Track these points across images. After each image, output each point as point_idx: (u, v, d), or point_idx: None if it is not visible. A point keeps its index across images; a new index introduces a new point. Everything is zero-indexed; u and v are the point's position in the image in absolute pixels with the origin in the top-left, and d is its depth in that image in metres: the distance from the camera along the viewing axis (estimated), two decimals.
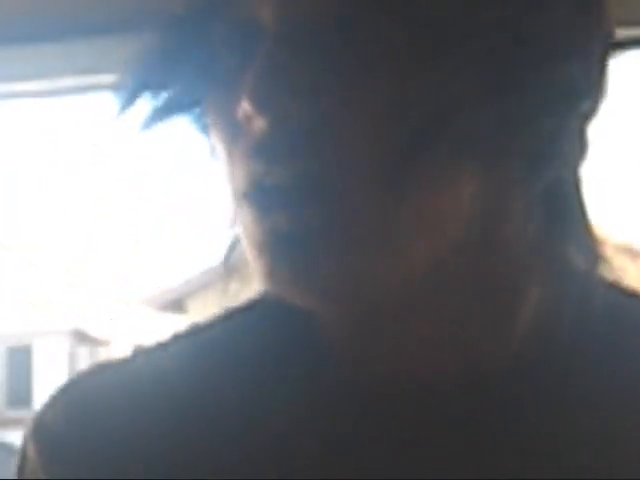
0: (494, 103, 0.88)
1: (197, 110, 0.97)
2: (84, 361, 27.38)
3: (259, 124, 0.86)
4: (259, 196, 0.89)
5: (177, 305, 18.78)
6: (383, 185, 0.87)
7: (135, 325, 25.86)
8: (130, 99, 0.94)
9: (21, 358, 27.95)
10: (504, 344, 0.97)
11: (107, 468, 1.01)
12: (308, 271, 0.89)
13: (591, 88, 0.93)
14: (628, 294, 1.05)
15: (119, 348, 27.25)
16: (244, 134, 0.88)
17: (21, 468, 1.04)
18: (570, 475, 0.95)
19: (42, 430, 1.03)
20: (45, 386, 27.25)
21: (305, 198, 0.87)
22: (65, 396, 1.05)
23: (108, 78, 1.78)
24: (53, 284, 28.40)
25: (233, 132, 0.90)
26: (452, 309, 0.95)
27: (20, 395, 27.36)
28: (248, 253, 0.92)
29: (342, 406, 0.99)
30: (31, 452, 1.03)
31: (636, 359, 1.00)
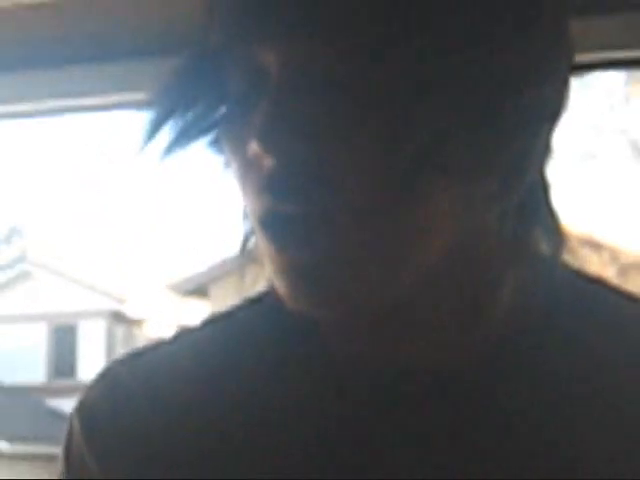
0: (475, 132, 0.87)
1: (213, 134, 0.94)
2: (120, 339, 27.33)
3: (267, 163, 0.86)
4: (272, 225, 0.88)
5: (200, 291, 18.48)
6: (380, 213, 0.87)
7: (164, 308, 25.82)
8: (157, 123, 0.92)
9: (65, 335, 27.58)
10: (486, 327, 0.97)
11: (140, 441, 1.01)
12: (319, 291, 0.89)
13: (560, 107, 0.93)
14: (591, 280, 1.05)
15: (151, 328, 27.35)
16: (255, 168, 0.87)
17: (68, 441, 1.05)
18: (543, 447, 0.95)
19: (84, 409, 1.04)
20: (86, 360, 26.89)
21: (312, 228, 0.87)
22: (104, 379, 1.06)
23: (133, 97, 1.73)
24: (94, 269, 28.42)
25: (245, 164, 0.89)
26: (442, 304, 0.95)
27: (65, 368, 27.18)
28: (266, 268, 0.93)
29: (340, 387, 0.98)
30: (76, 428, 1.03)
31: (599, 339, 0.99)
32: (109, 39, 1.65)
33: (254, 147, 0.86)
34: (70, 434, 1.05)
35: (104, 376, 1.07)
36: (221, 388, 1.02)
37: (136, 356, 1.07)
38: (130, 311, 27.06)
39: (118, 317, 27.15)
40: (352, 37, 0.85)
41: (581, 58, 1.52)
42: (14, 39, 1.64)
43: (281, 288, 0.91)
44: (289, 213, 0.87)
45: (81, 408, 1.05)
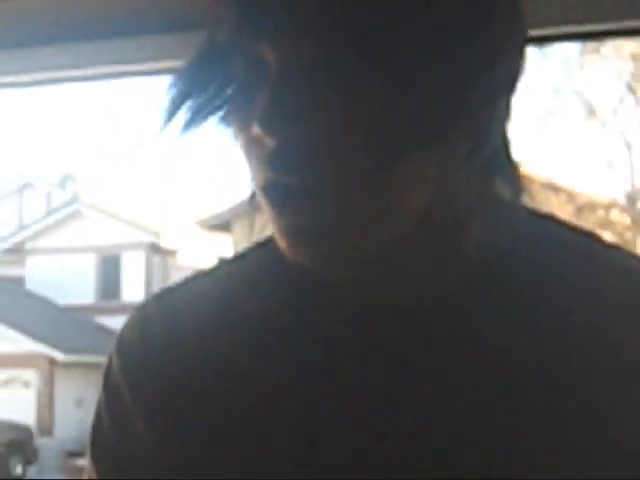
0: (446, 111, 0.87)
1: (221, 113, 0.94)
2: (157, 267, 27.46)
3: (268, 143, 0.86)
4: (272, 193, 0.89)
5: (224, 226, 18.27)
6: (364, 184, 0.86)
7: (193, 241, 25.98)
8: (175, 103, 0.91)
9: (111, 264, 27.99)
10: (459, 261, 0.97)
11: (165, 376, 1.00)
12: (311, 249, 0.89)
13: (517, 79, 0.93)
14: (545, 217, 1.05)
15: (182, 258, 27.17)
16: (257, 146, 0.87)
17: (107, 372, 1.04)
18: (512, 356, 0.95)
19: (121, 345, 1.03)
20: (128, 284, 27.32)
21: (306, 197, 0.87)
22: (139, 317, 1.05)
23: (163, 65, 1.66)
24: (135, 208, 28.64)
25: (249, 141, 0.89)
26: (422, 246, 0.94)
27: (110, 291, 27.74)
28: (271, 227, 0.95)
29: (338, 325, 0.97)
30: (115, 361, 1.03)
31: (556, 270, 0.99)
32: (142, 18, 1.62)
33: (256, 129, 0.86)
34: (109, 366, 1.04)
35: (139, 314, 1.06)
36: (235, 321, 1.01)
37: (166, 292, 1.06)
38: (165, 243, 27.31)
39: (155, 248, 27.42)
40: (331, 31, 0.84)
41: (542, 32, 1.51)
42: (71, 15, 1.62)
43: (281, 244, 0.91)
44: (286, 184, 0.87)
45: (119, 344, 1.04)
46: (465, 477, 0.90)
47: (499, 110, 0.92)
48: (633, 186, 15.79)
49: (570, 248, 1.02)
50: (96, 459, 1.01)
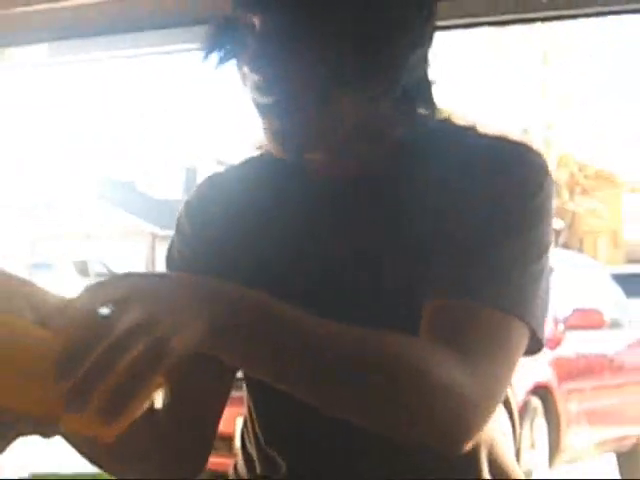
0: (369, 62, 0.98)
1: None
2: None
3: (253, 78, 0.96)
4: (261, 109, 0.99)
5: None
6: (314, 103, 0.98)
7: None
8: (209, 49, 1.02)
9: (190, 176, 27.62)
10: (386, 146, 1.06)
11: (210, 217, 1.12)
12: (286, 146, 1.00)
13: (430, 39, 1.02)
14: (457, 127, 1.11)
15: None
16: (249, 79, 0.97)
17: (178, 218, 1.14)
18: (427, 212, 1.03)
19: (187, 201, 1.14)
20: None
21: (280, 109, 0.98)
22: (202, 184, 1.16)
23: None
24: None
25: (244, 76, 0.98)
26: (355, 141, 1.04)
27: None
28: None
29: (306, 193, 1.08)
30: (182, 208, 1.13)
31: (457, 155, 1.04)
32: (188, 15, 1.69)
33: (245, 68, 0.96)
34: (179, 216, 1.13)
35: (202, 182, 1.15)
36: (249, 190, 1.11)
37: (213, 175, 1.16)
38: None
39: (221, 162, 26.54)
40: (289, 7, 0.96)
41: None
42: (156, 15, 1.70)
43: (270, 147, 1.00)
44: (268, 103, 0.97)
45: (186, 201, 1.13)
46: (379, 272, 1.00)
47: (410, 60, 0.99)
48: None
49: (463, 139, 1.07)
50: (168, 269, 1.10)
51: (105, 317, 0.74)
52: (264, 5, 0.94)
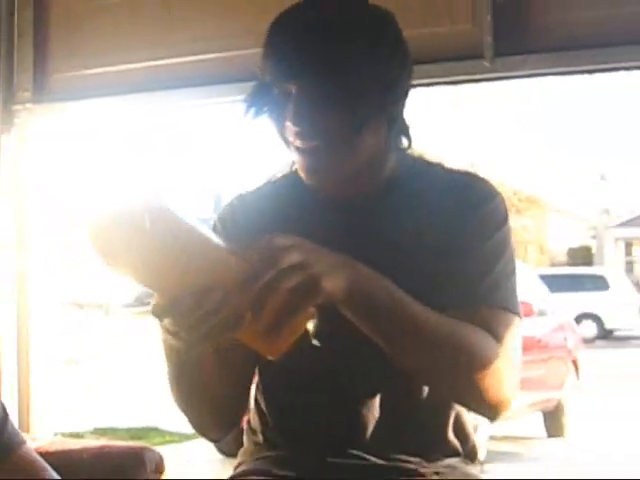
0: (377, 110, 0.96)
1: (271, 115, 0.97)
2: None
3: (295, 129, 0.95)
4: (298, 150, 0.97)
5: None
6: (344, 149, 0.97)
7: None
8: (249, 107, 0.98)
9: (217, 200, 24.85)
10: (379, 179, 1.03)
11: (239, 228, 1.07)
12: (318, 177, 0.99)
13: (407, 91, 1.00)
14: (428, 162, 1.08)
15: None
16: (289, 131, 0.97)
17: (213, 228, 1.06)
18: (410, 237, 1.00)
19: (220, 215, 1.10)
20: None
21: (315, 151, 0.96)
22: (232, 201, 1.11)
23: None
24: None
25: (283, 129, 0.97)
26: (362, 171, 1.02)
27: None
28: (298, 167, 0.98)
29: (322, 209, 1.05)
30: (216, 223, 1.09)
31: (431, 189, 1.02)
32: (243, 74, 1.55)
33: (289, 125, 0.95)
34: (214, 227, 1.08)
35: (229, 202, 1.10)
36: (277, 205, 1.07)
37: (248, 192, 1.12)
38: None
39: None
40: (318, 76, 0.93)
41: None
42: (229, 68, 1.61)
43: (302, 175, 0.99)
44: (304, 146, 0.95)
45: (218, 216, 1.09)
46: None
47: (399, 106, 0.98)
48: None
49: (434, 174, 1.05)
50: None
51: (275, 257, 0.79)
52: (299, 76, 0.93)
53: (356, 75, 0.92)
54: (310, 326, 0.79)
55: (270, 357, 0.78)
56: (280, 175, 1.09)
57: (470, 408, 0.96)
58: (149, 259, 0.74)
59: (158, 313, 0.77)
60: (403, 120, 0.99)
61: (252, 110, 0.96)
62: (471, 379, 0.88)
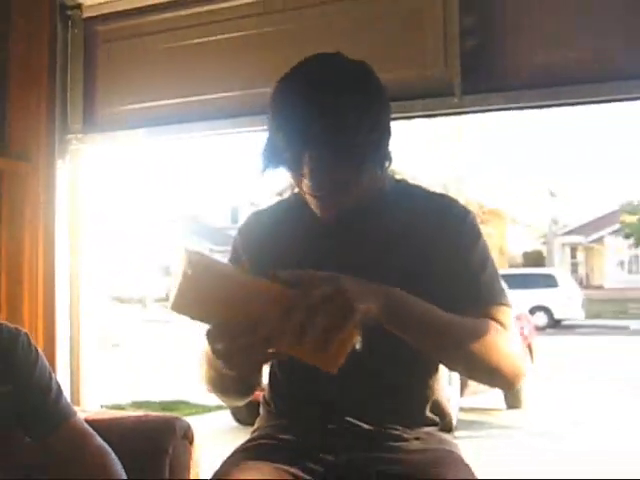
0: (372, 155, 0.96)
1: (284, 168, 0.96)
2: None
3: (309, 183, 0.95)
4: (311, 196, 0.98)
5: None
6: (350, 191, 0.98)
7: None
8: (266, 166, 0.98)
9: (234, 212, 24.96)
10: (370, 198, 1.03)
11: (256, 244, 1.07)
12: (327, 210, 0.99)
13: (390, 132, 0.97)
14: (409, 184, 1.08)
15: None
16: (305, 186, 0.97)
17: (234, 242, 1.08)
18: (398, 243, 1.00)
19: (240, 230, 1.09)
20: None
21: (324, 197, 0.97)
22: (247, 219, 1.10)
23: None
24: None
25: (300, 179, 0.98)
26: (362, 199, 1.01)
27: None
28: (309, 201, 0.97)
29: (317, 227, 1.03)
30: (237, 237, 1.10)
31: (416, 203, 1.02)
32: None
33: (305, 180, 0.95)
34: (234, 241, 1.08)
35: (247, 219, 1.10)
36: (284, 223, 1.07)
37: (259, 210, 1.12)
38: None
39: None
40: (326, 142, 0.92)
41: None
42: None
43: (314, 209, 0.99)
44: (316, 194, 0.97)
45: (239, 231, 1.09)
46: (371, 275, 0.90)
47: (387, 152, 0.98)
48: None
49: (416, 193, 1.05)
50: None
51: (314, 286, 0.80)
52: (311, 146, 0.92)
53: (357, 129, 0.91)
54: (358, 342, 0.80)
55: (330, 371, 0.78)
56: (288, 194, 1.10)
57: (497, 386, 0.98)
58: (217, 303, 0.76)
59: (212, 339, 0.78)
60: (388, 152, 0.99)
61: (269, 168, 0.96)
62: (498, 362, 0.90)
